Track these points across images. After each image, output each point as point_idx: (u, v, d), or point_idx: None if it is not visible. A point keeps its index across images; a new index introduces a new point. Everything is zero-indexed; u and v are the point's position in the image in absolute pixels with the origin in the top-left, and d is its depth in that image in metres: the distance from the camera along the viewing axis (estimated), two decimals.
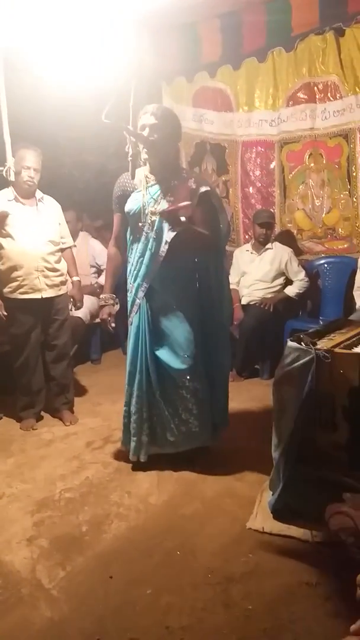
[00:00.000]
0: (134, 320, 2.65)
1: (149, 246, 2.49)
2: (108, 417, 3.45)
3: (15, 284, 3.13)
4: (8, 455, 2.94)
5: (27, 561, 2.05)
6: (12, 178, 3.01)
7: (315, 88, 4.00)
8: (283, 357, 2.24)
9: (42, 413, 3.45)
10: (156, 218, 2.46)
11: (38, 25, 3.54)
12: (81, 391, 3.91)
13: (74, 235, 4.07)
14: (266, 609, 1.75)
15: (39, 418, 3.38)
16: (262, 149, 4.35)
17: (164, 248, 2.45)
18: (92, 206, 5.17)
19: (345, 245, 3.99)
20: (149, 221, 2.48)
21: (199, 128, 4.70)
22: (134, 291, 2.59)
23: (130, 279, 2.62)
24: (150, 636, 1.67)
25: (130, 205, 2.55)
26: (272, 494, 2.26)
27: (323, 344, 2.26)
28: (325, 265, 4.06)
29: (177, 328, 2.58)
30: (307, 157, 4.11)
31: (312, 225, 4.14)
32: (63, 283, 3.31)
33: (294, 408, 2.15)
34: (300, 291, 4.07)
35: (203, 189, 2.45)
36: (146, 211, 2.48)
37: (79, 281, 3.49)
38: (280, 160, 4.25)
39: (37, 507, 2.41)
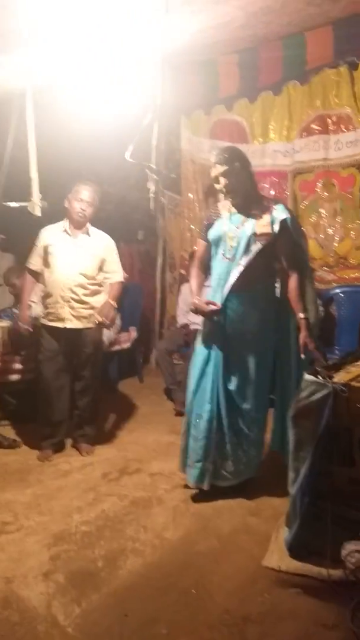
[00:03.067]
0: (206, 342, 2.71)
1: (227, 269, 2.62)
2: (124, 447, 3.47)
3: (46, 310, 3.27)
4: (26, 486, 2.95)
5: (43, 597, 2.05)
6: (37, 213, 3.10)
7: (329, 120, 4.07)
8: (299, 390, 2.24)
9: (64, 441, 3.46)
10: (235, 244, 2.60)
11: (64, 65, 3.69)
12: (97, 419, 3.92)
13: None
14: None
15: (61, 448, 3.39)
16: (276, 179, 4.42)
17: (236, 272, 2.57)
18: (112, 234, 5.27)
19: (357, 274, 4.00)
20: (229, 247, 2.62)
21: None
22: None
23: (210, 297, 2.72)
24: None
25: (214, 232, 2.71)
26: (289, 531, 2.23)
27: (340, 377, 2.25)
28: (341, 295, 4.06)
29: (250, 358, 2.66)
30: (320, 186, 4.15)
31: (324, 254, 4.17)
32: (90, 316, 3.28)
33: (311, 442, 2.14)
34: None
35: (282, 216, 2.57)
36: (226, 237, 2.63)
37: (110, 303, 3.32)
38: (293, 190, 4.31)
39: (54, 541, 2.41)
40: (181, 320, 4.61)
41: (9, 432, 3.55)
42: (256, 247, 2.57)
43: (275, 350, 2.76)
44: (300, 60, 4.15)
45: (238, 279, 2.58)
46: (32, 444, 3.41)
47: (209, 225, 2.76)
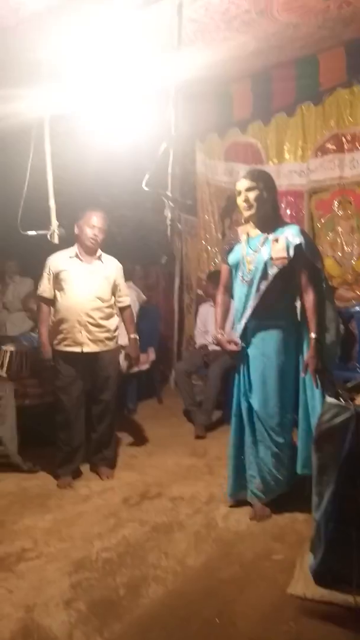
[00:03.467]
0: (238, 362, 2.83)
1: (246, 292, 2.72)
2: (144, 470, 3.44)
3: (60, 336, 3.25)
4: (46, 511, 2.94)
5: (64, 626, 2.02)
6: (56, 241, 3.15)
7: (344, 139, 4.08)
8: (321, 413, 2.20)
9: (81, 466, 3.44)
10: (253, 268, 2.69)
11: (81, 96, 3.78)
12: (116, 442, 3.91)
13: None
14: None
15: (77, 474, 3.37)
16: (292, 199, 4.43)
17: (255, 296, 2.67)
18: (130, 257, 5.32)
19: None
20: (247, 270, 2.72)
21: (230, 181, 4.82)
22: (238, 334, 2.78)
23: (236, 323, 2.83)
24: None
25: (233, 256, 2.82)
26: (314, 557, 2.18)
27: None
28: None
29: (271, 378, 2.71)
30: (336, 205, 4.15)
31: (342, 272, 4.15)
32: (109, 339, 3.31)
33: (335, 466, 2.10)
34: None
35: (296, 241, 2.62)
36: (244, 261, 2.73)
37: (136, 339, 3.51)
38: (310, 209, 4.31)
39: (75, 568, 2.38)
40: (199, 341, 4.60)
41: (28, 456, 3.53)
42: (273, 271, 2.64)
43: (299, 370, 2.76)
44: (314, 82, 4.20)
45: (258, 302, 2.66)
46: (50, 469, 3.40)
47: (230, 250, 2.86)
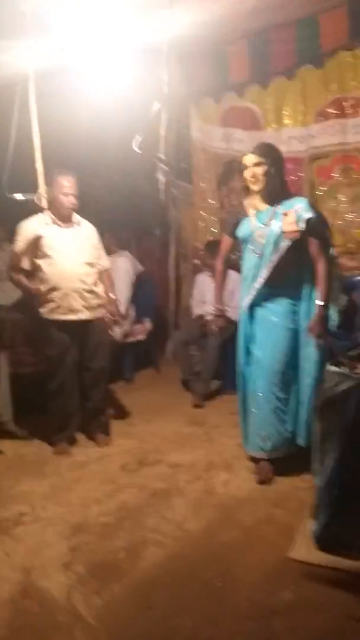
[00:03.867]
0: (240, 328, 2.93)
1: (256, 265, 2.80)
2: (142, 438, 3.42)
3: (53, 304, 3.14)
4: (42, 477, 2.91)
5: (63, 587, 2.01)
6: (44, 205, 3.05)
7: (346, 103, 3.97)
8: (324, 381, 2.18)
9: (77, 435, 3.41)
10: (263, 241, 2.76)
11: (69, 51, 3.62)
12: (114, 411, 3.89)
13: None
14: None
15: (73, 441, 3.35)
16: (292, 166, 4.30)
17: (267, 268, 2.76)
18: (124, 226, 5.21)
19: None
20: (257, 243, 2.78)
21: (228, 147, 4.71)
22: (244, 302, 2.89)
23: (243, 293, 2.91)
24: None
25: (242, 230, 2.87)
26: (315, 523, 2.17)
27: None
28: None
29: (277, 342, 2.81)
30: (338, 172, 4.06)
31: (345, 240, 4.07)
32: (100, 306, 3.29)
33: (337, 434, 2.08)
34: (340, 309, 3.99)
35: (307, 215, 2.71)
36: (254, 235, 2.79)
37: (116, 299, 3.48)
38: (310, 176, 4.21)
39: (73, 532, 2.37)
40: (196, 311, 4.55)
41: (23, 424, 3.50)
42: (284, 244, 2.72)
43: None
44: (314, 44, 4.06)
45: (269, 273, 2.76)
46: (46, 436, 3.36)
47: (236, 223, 2.92)
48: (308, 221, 2.70)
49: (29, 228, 3.14)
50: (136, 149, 3.15)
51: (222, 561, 2.12)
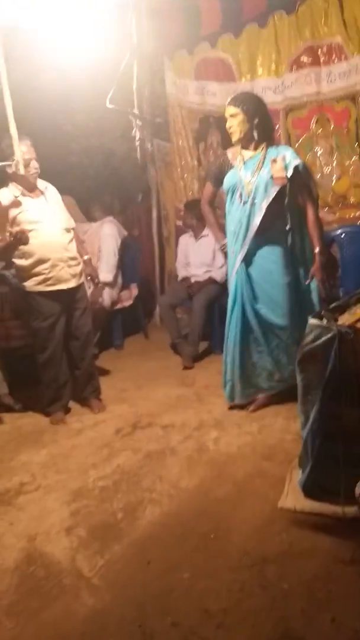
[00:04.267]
0: (233, 282, 3.01)
1: (246, 213, 2.88)
2: (134, 402, 3.50)
3: (41, 277, 3.11)
4: (41, 447, 3.00)
5: (66, 551, 2.11)
6: (21, 172, 2.97)
7: (319, 51, 3.88)
8: (305, 334, 2.22)
9: (70, 403, 3.49)
10: (252, 188, 2.85)
11: (35, 7, 3.46)
12: (106, 378, 3.96)
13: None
14: (303, 588, 1.78)
15: (67, 410, 3.42)
16: None
17: (259, 215, 2.85)
18: (103, 190, 5.13)
19: (358, 214, 3.90)
20: (246, 192, 2.87)
21: (202, 102, 4.61)
22: (234, 255, 2.99)
23: (230, 245, 3.03)
24: (190, 620, 1.71)
25: (229, 180, 2.97)
26: (302, 472, 2.27)
27: (344, 319, 2.23)
28: (342, 236, 3.97)
29: (275, 289, 2.97)
30: (314, 123, 4.00)
31: (323, 193, 4.03)
32: (81, 272, 3.31)
33: (319, 386, 2.13)
34: None
35: (295, 162, 2.81)
36: (242, 183, 2.88)
37: (90, 258, 3.49)
38: (286, 128, 4.15)
39: (73, 497, 2.47)
40: (181, 273, 4.56)
41: (17, 397, 3.57)
42: (274, 189, 2.81)
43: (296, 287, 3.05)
44: None
45: (259, 222, 2.85)
46: (41, 407, 3.44)
47: (220, 174, 3.02)
48: (296, 168, 2.80)
49: (2, 205, 3.04)
50: (108, 105, 3.08)
51: (216, 515, 2.23)
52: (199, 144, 4.77)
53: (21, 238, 2.97)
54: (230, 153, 3.02)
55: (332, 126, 3.88)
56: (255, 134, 2.87)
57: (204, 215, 3.40)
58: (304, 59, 3.92)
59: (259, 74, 4.22)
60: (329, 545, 1.96)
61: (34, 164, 3.08)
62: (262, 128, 2.87)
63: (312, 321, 2.20)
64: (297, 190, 2.87)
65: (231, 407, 3.20)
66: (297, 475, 2.33)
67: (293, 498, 2.24)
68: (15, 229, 3.01)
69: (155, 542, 2.11)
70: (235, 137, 2.91)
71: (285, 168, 2.79)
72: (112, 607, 1.81)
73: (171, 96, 4.82)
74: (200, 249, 4.40)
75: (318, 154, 3.99)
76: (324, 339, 2.12)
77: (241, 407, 3.19)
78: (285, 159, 2.81)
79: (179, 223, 5.01)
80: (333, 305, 2.46)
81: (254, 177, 2.85)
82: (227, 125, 2.90)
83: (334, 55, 3.78)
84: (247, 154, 2.93)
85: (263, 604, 1.73)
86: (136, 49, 3.20)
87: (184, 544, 2.08)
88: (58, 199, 3.28)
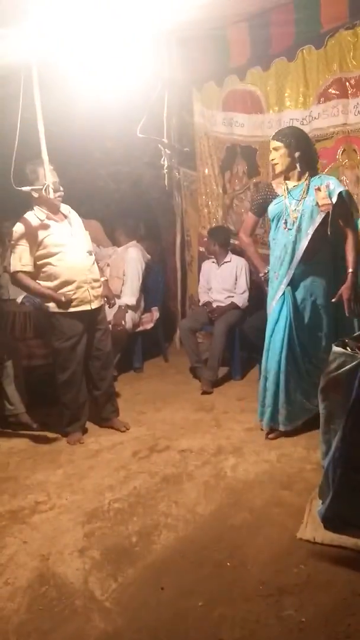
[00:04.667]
0: (276, 306, 3.09)
1: (292, 239, 2.99)
2: (152, 425, 3.48)
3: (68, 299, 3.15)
4: (57, 466, 2.99)
5: (79, 572, 2.08)
6: (51, 195, 3.04)
7: (347, 83, 3.91)
8: (328, 362, 2.20)
9: (87, 424, 3.47)
10: (298, 215, 2.98)
11: (69, 41, 3.60)
12: (124, 400, 3.95)
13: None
14: (321, 621, 1.72)
15: (84, 430, 3.41)
16: None
17: (305, 241, 2.97)
18: (128, 215, 5.21)
19: None
20: (291, 219, 3.00)
21: (230, 132, 4.68)
22: (278, 280, 3.08)
23: (274, 270, 3.12)
24: None
25: (274, 208, 3.10)
26: (322, 503, 2.22)
27: None
28: None
29: (317, 315, 3.09)
30: (341, 154, 4.02)
31: None
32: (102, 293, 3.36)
33: (342, 414, 2.11)
34: None
35: (339, 189, 2.94)
36: (288, 211, 3.02)
37: (107, 280, 3.57)
38: None
39: (88, 518, 2.45)
40: (203, 298, 4.57)
41: (36, 415, 3.57)
42: (320, 217, 2.93)
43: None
44: (315, 23, 3.98)
45: (305, 249, 2.96)
46: (59, 427, 3.43)
47: (264, 203, 3.17)
48: (340, 195, 2.92)
49: (29, 229, 3.09)
50: (139, 134, 3.16)
51: (232, 543, 2.18)
52: (225, 173, 4.83)
53: (65, 302, 3.11)
54: (274, 184, 3.19)
55: (359, 157, 3.90)
56: (298, 166, 3.03)
57: (242, 246, 3.52)
58: (332, 91, 3.96)
59: (287, 106, 4.27)
60: (348, 578, 1.91)
61: (61, 192, 3.16)
62: (305, 160, 3.06)
63: (335, 349, 2.19)
64: (340, 216, 2.97)
65: (269, 433, 3.15)
66: (317, 506, 2.28)
67: (312, 529, 2.19)
68: (61, 296, 3.10)
69: (170, 567, 2.08)
70: (278, 169, 3.08)
71: (329, 195, 2.93)
72: (123, 631, 1.78)
73: (199, 126, 4.93)
74: (223, 275, 4.42)
75: (345, 183, 4.00)
76: (348, 367, 2.10)
77: (270, 431, 3.15)
78: (329, 187, 2.96)
79: (202, 249, 5.05)
80: (357, 333, 2.45)
81: (299, 205, 3.00)
82: (270, 157, 3.09)
83: None
84: (291, 184, 3.08)
85: (279, 635, 1.69)
86: (166, 79, 3.29)
87: (198, 570, 2.04)
88: (80, 223, 3.35)
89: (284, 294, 3.05)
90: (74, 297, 3.17)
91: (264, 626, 1.73)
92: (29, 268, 3.12)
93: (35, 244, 3.10)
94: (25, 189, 3.06)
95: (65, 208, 3.28)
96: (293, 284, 3.06)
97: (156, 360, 4.90)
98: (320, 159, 4.14)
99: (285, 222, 3.03)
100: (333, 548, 2.08)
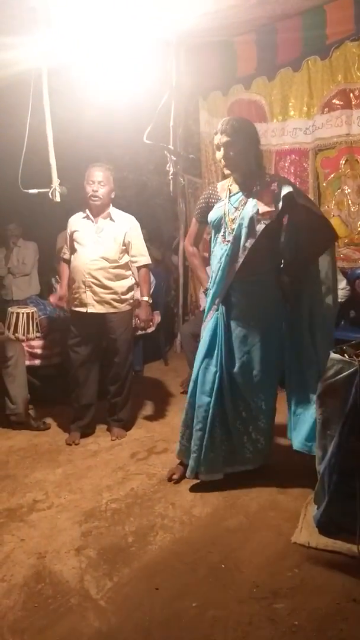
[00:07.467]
0: (208, 326, 2.63)
1: (227, 252, 2.52)
2: (151, 428, 3.51)
3: (72, 296, 3.31)
4: (56, 466, 3.01)
5: (75, 571, 2.10)
6: (57, 199, 3.09)
7: (351, 94, 3.97)
8: (326, 369, 2.23)
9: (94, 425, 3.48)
10: (235, 226, 2.49)
11: (78, 49, 3.66)
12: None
13: None
14: (313, 625, 1.74)
15: (91, 431, 3.43)
16: (296, 157, 4.34)
17: (242, 254, 2.47)
18: None
19: None
20: (229, 229, 2.52)
21: None
22: (210, 297, 2.64)
23: (210, 285, 2.66)
24: None
25: (213, 214, 2.61)
26: (317, 508, 2.24)
27: None
28: None
29: (254, 344, 2.57)
30: (343, 163, 4.07)
31: (349, 232, 4.09)
32: (117, 301, 3.26)
33: (338, 421, 2.13)
34: (342, 300, 4.01)
35: (285, 190, 2.43)
36: (226, 219, 2.53)
37: (147, 302, 3.37)
38: (315, 167, 4.23)
39: (85, 518, 2.46)
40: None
41: (37, 415, 3.60)
42: (260, 227, 2.43)
43: (288, 340, 2.65)
44: (320, 35, 4.04)
45: (242, 264, 2.48)
46: (62, 426, 3.48)
47: (207, 208, 2.67)
48: (288, 196, 2.41)
49: (71, 221, 3.35)
50: (145, 140, 3.16)
51: (227, 545, 2.20)
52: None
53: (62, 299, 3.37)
54: (219, 186, 2.68)
55: None
56: (248, 166, 2.53)
57: (187, 255, 2.99)
58: (336, 101, 4.02)
59: (291, 115, 4.33)
60: (342, 583, 1.92)
61: (93, 187, 3.18)
62: (255, 159, 2.56)
63: (333, 356, 2.22)
64: (299, 219, 2.48)
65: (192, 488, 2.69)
66: (312, 511, 2.30)
67: (307, 533, 2.21)
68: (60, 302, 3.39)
69: (165, 568, 2.09)
70: (222, 159, 2.54)
71: (275, 200, 2.42)
72: (117, 630, 1.79)
73: (204, 134, 4.99)
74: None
75: (346, 192, 4.04)
76: (345, 373, 2.13)
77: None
78: (274, 190, 2.45)
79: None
80: (355, 341, 2.47)
81: (237, 213, 2.50)
82: (220, 154, 2.54)
83: None
84: (235, 187, 2.58)
85: (271, 638, 1.70)
86: (174, 88, 3.33)
87: (193, 572, 2.06)
88: (120, 230, 3.26)
89: (216, 316, 2.60)
90: (74, 296, 3.26)
91: (256, 628, 1.75)
92: (65, 256, 3.40)
93: (69, 236, 3.33)
94: (32, 191, 3.11)
95: (115, 214, 3.30)
96: (227, 306, 2.57)
97: (156, 364, 4.94)
98: (323, 169, 4.20)
99: (224, 234, 2.54)
100: (327, 553, 2.10)
